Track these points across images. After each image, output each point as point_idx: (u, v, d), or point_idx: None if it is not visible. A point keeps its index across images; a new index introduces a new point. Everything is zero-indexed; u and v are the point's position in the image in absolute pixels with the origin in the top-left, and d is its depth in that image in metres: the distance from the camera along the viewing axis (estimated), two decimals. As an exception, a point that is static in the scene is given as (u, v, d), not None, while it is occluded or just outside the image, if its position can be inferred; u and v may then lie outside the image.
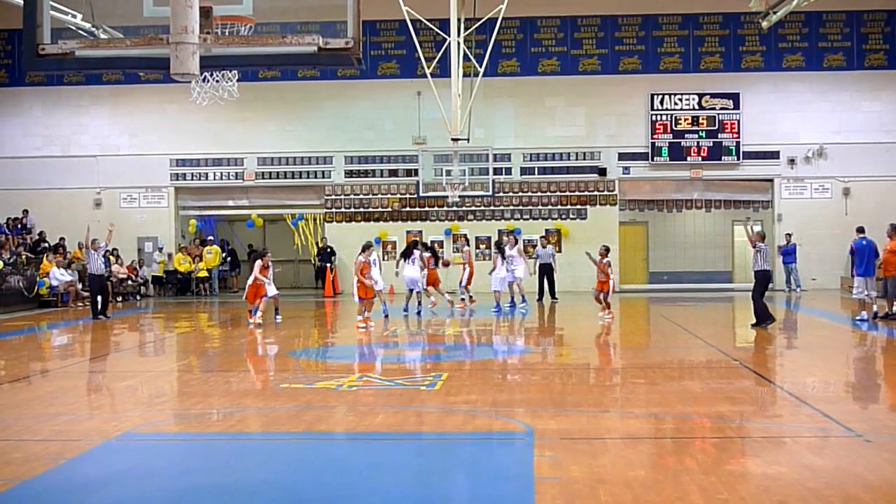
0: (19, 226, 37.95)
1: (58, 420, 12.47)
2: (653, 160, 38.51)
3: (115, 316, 29.32)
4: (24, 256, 34.21)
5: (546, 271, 33.38)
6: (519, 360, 18.81)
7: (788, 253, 37.56)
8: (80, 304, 32.89)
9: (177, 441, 11.70)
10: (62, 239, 37.32)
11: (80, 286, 33.71)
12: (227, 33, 9.94)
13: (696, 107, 38.34)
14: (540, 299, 32.82)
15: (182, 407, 13.91)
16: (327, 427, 12.13)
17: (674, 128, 38.32)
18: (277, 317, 26.47)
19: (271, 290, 25.67)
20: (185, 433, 12.14)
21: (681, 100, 38.40)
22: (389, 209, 39.16)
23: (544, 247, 34.03)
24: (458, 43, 30.85)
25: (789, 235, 37.70)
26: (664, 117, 38.36)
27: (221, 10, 8.03)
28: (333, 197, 39.32)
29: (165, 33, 7.37)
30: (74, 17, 21.03)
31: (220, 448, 11.11)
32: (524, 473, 9.39)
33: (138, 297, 37.74)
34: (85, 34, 20.31)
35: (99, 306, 28.51)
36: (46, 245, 36.66)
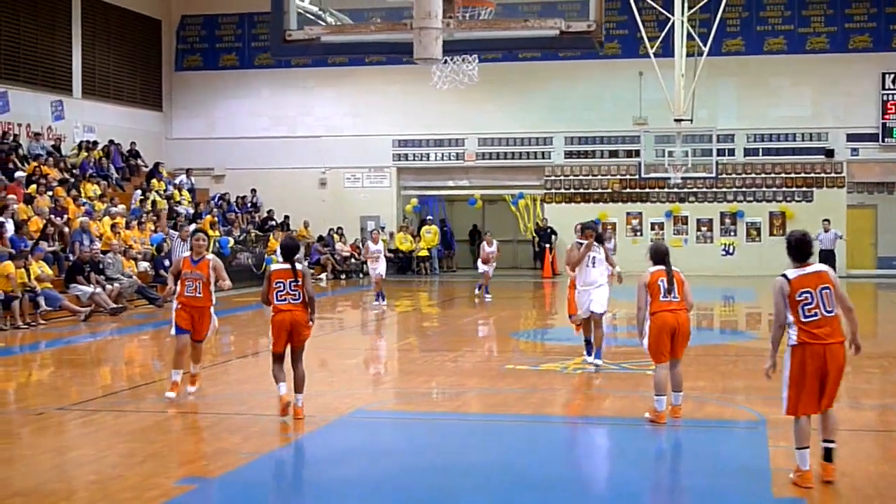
0: (248, 204, 39.10)
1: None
2: (884, 141, 37.14)
3: (338, 293, 29.83)
4: (252, 234, 35.26)
5: (827, 258, 30.61)
6: (745, 346, 18.41)
7: None
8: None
9: (405, 420, 11.86)
10: (287, 217, 38.30)
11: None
12: (468, 18, 9.99)
13: (932, 86, 36.84)
14: None
15: (409, 385, 14.12)
16: (554, 410, 12.12)
17: (907, 108, 36.91)
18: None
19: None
20: (413, 412, 12.30)
21: (915, 78, 36.95)
22: (609, 190, 38.83)
23: (826, 231, 32.19)
24: (683, 22, 30.46)
25: None
26: (897, 97, 37.00)
27: (464, -5, 8.09)
28: (553, 178, 39.20)
29: (406, 18, 7.45)
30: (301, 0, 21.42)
31: (448, 428, 11.23)
32: (760, 465, 9.17)
33: (360, 275, 38.44)
34: (312, 17, 20.71)
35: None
36: (273, 223, 37.67)
